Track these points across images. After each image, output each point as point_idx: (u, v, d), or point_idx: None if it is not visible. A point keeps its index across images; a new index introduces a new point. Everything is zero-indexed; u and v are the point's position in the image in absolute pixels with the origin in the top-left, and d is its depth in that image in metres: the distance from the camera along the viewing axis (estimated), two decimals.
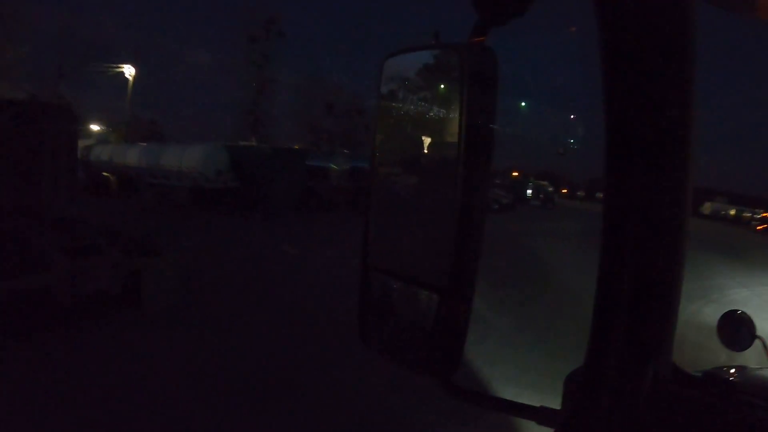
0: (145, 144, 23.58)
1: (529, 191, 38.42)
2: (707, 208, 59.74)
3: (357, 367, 4.98)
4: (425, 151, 0.79)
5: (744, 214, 47.78)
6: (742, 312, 1.88)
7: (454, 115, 0.72)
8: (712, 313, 7.63)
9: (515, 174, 44.12)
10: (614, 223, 0.84)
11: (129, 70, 33.38)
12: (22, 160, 9.11)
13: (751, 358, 1.86)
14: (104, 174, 22.38)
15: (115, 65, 32.98)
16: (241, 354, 5.59)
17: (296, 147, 24.41)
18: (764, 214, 41.82)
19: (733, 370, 1.53)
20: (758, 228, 38.46)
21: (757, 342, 1.86)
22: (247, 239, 13.75)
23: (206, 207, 18.26)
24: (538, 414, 0.89)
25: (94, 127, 31.48)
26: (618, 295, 0.86)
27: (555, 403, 0.91)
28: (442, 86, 0.77)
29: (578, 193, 65.17)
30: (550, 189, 40.61)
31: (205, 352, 5.55)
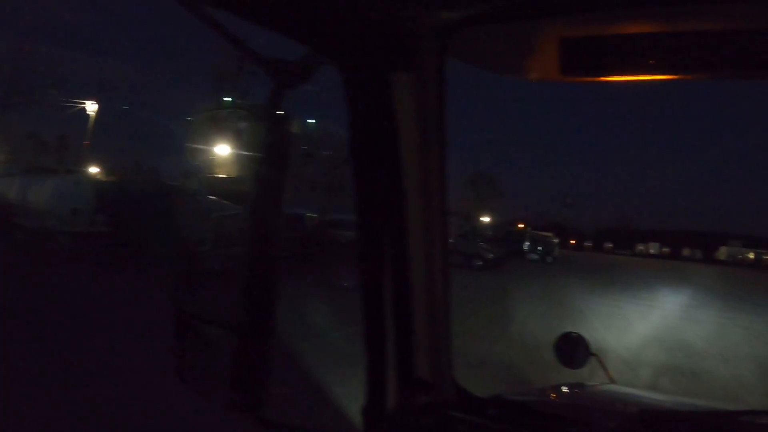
0: (16, 175, 19.28)
1: (526, 243, 34.51)
2: (723, 252, 56.38)
3: None
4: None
5: (764, 257, 44.27)
6: (577, 333, 2.07)
7: (250, 169, 0.92)
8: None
9: (520, 226, 40.52)
10: (369, 255, 1.07)
11: (91, 106, 31.45)
12: None
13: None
14: None
15: (75, 99, 31.26)
16: None
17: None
18: None
19: (565, 389, 1.89)
20: None
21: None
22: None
23: (73, 257, 13.90)
24: None
25: None
26: (382, 331, 1.06)
27: None
28: (242, 140, 0.97)
29: (585, 243, 62.25)
30: (555, 240, 36.77)
31: None
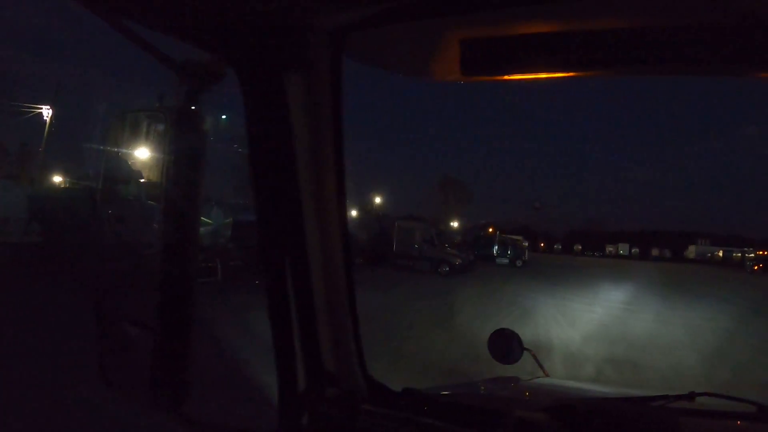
0: None
1: (495, 247, 33.90)
2: (692, 251, 57.53)
3: None
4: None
5: (734, 255, 45.07)
6: (509, 329, 2.11)
7: (163, 169, 0.94)
8: None
9: (490, 230, 40.02)
10: (271, 253, 1.11)
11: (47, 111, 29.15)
12: None
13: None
14: None
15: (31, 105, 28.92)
16: None
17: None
18: (759, 253, 38.21)
19: (495, 382, 2.04)
20: (755, 268, 34.76)
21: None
22: None
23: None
24: None
25: None
26: (289, 327, 1.10)
27: None
28: (159, 143, 1.09)
29: (556, 246, 62.56)
30: (525, 244, 36.34)
31: None
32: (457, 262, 22.29)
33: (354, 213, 26.40)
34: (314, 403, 1.11)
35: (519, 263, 31.55)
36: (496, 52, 0.98)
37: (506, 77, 1.01)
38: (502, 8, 0.90)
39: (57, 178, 28.49)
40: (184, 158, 0.96)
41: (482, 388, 2.04)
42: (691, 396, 1.38)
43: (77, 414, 4.68)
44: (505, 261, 32.14)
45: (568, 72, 0.97)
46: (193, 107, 0.96)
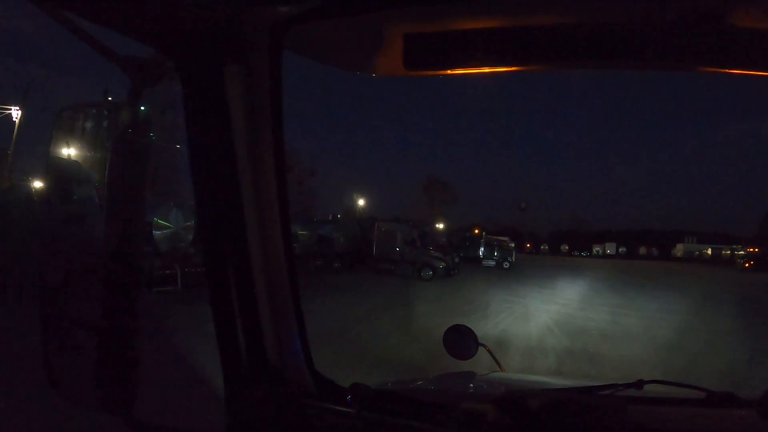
0: None
1: (481, 249, 32.69)
2: (680, 250, 57.53)
3: None
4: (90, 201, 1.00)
5: (724, 252, 44.68)
6: (465, 325, 2.08)
7: (106, 168, 0.91)
8: None
9: (476, 231, 38.86)
10: (212, 249, 1.09)
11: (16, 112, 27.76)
12: None
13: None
14: None
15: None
16: None
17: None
18: (750, 250, 37.58)
19: (450, 377, 2.04)
20: (746, 265, 34.15)
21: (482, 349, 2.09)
22: None
23: None
24: None
25: None
26: (233, 326, 1.10)
27: None
28: (102, 138, 0.95)
29: (542, 246, 62.12)
30: (511, 245, 35.16)
31: None
32: (441, 265, 20.89)
33: (331, 216, 25.15)
34: (261, 400, 1.10)
35: (506, 265, 30.31)
36: (440, 47, 1.00)
37: (449, 72, 1.04)
38: (447, 3, 0.94)
39: (37, 182, 26.97)
40: (126, 156, 0.93)
41: (435, 383, 2.06)
42: (639, 384, 1.32)
43: (22, 415, 4.59)
44: (492, 263, 30.91)
45: (510, 67, 1.00)
46: (135, 103, 0.93)
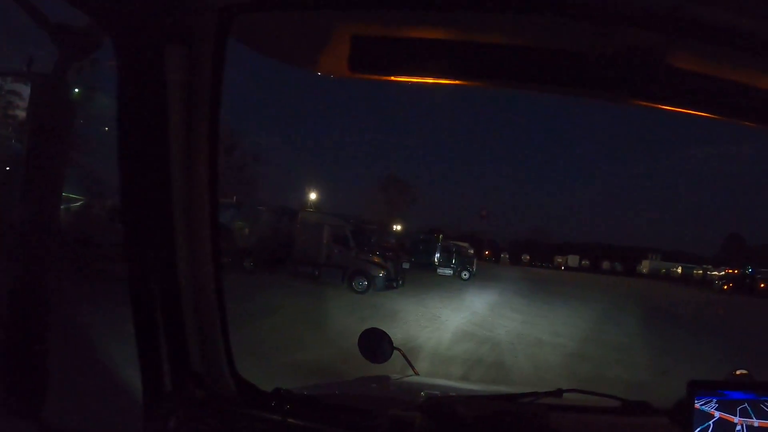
0: None
1: (437, 255, 27.61)
2: (645, 266, 55.04)
3: None
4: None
5: (695, 272, 41.53)
6: (381, 329, 2.04)
7: (24, 143, 0.79)
8: None
9: (436, 235, 33.70)
10: (135, 242, 1.00)
11: None
12: None
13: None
14: None
15: None
16: None
17: None
18: (728, 271, 34.18)
19: (366, 381, 2.06)
20: (725, 288, 30.67)
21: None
22: None
23: None
24: None
25: None
26: (154, 328, 1.02)
27: None
28: (20, 109, 1.45)
29: (503, 255, 58.35)
30: (471, 251, 30.17)
31: None
32: (380, 273, 15.35)
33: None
34: (181, 404, 1.06)
35: (465, 275, 25.16)
36: (387, 52, 1.00)
37: (393, 78, 1.05)
38: (397, 9, 0.92)
39: None
40: (46, 131, 0.87)
41: (353, 387, 2.07)
42: (558, 392, 1.39)
43: None
44: (449, 272, 25.80)
45: (453, 80, 1.00)
46: (62, 74, 0.86)
